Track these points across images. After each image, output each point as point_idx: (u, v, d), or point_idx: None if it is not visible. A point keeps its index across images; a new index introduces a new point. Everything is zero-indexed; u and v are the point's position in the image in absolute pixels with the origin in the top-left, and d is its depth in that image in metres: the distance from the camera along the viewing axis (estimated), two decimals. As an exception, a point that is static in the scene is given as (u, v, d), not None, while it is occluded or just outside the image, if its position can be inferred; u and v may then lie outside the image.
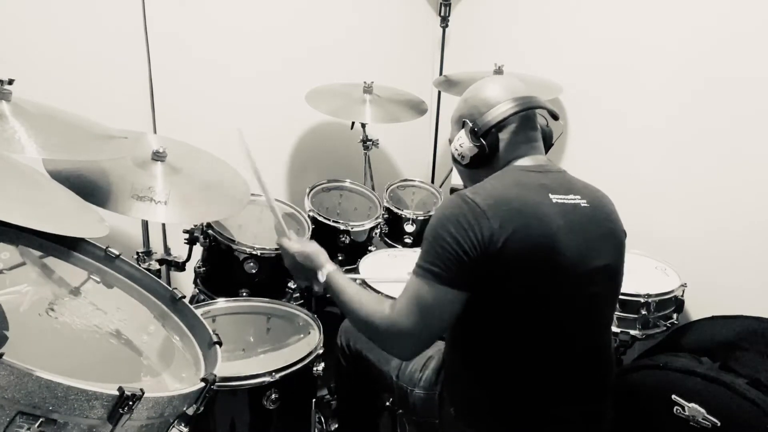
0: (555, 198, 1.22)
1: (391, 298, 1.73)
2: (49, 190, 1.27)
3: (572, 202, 1.24)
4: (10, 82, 1.26)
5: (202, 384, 1.07)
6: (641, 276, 1.99)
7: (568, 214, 1.21)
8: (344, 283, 1.32)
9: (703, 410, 1.49)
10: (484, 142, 1.28)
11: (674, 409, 1.54)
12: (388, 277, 1.86)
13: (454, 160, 1.37)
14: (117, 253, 1.35)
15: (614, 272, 1.30)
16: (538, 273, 1.16)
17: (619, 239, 1.31)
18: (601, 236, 1.25)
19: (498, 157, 1.31)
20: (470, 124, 1.30)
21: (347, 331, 1.70)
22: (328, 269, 1.35)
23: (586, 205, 1.25)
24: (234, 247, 1.83)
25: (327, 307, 2.09)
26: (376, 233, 2.34)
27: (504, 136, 1.30)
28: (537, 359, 1.22)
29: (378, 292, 1.81)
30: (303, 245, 1.45)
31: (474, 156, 1.31)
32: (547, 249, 1.16)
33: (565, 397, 1.25)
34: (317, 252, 1.41)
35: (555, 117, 1.37)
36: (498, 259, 1.12)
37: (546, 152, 1.38)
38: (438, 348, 1.48)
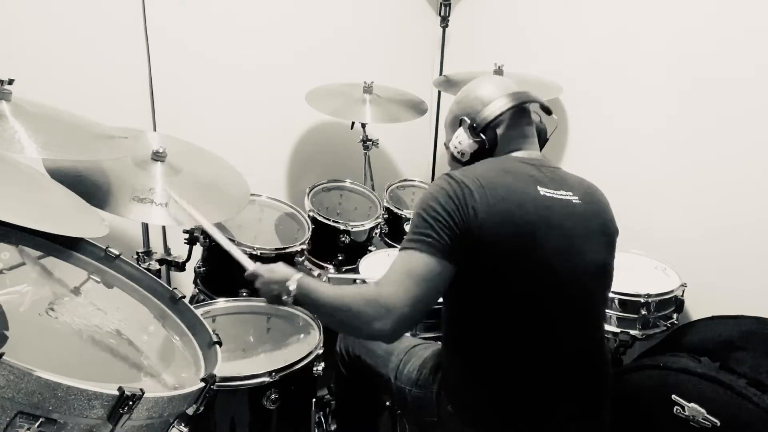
0: (543, 191, 1.23)
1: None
2: (49, 190, 1.27)
3: (563, 198, 1.24)
4: (10, 82, 1.26)
5: (202, 384, 1.07)
6: (641, 276, 1.99)
7: (555, 209, 1.21)
8: (317, 283, 1.28)
9: (703, 410, 1.49)
10: (483, 137, 1.30)
11: (674, 409, 1.54)
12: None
13: (454, 158, 1.38)
14: (117, 253, 1.35)
15: (603, 269, 1.30)
16: (515, 262, 1.17)
17: (609, 236, 1.31)
18: (590, 233, 1.26)
19: (496, 153, 1.33)
20: (468, 121, 1.32)
21: (345, 337, 1.70)
22: (297, 276, 1.30)
23: (577, 201, 1.26)
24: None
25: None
26: (376, 233, 2.34)
27: (501, 131, 1.33)
28: (529, 356, 1.22)
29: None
30: (266, 265, 1.40)
31: (474, 152, 1.32)
32: (525, 239, 1.17)
33: (561, 395, 1.25)
34: (281, 265, 1.37)
35: (548, 112, 1.40)
36: (479, 240, 1.14)
37: (541, 148, 1.40)
38: (435, 349, 1.48)
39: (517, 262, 1.17)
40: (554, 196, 1.23)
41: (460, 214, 1.14)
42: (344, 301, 1.19)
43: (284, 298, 1.29)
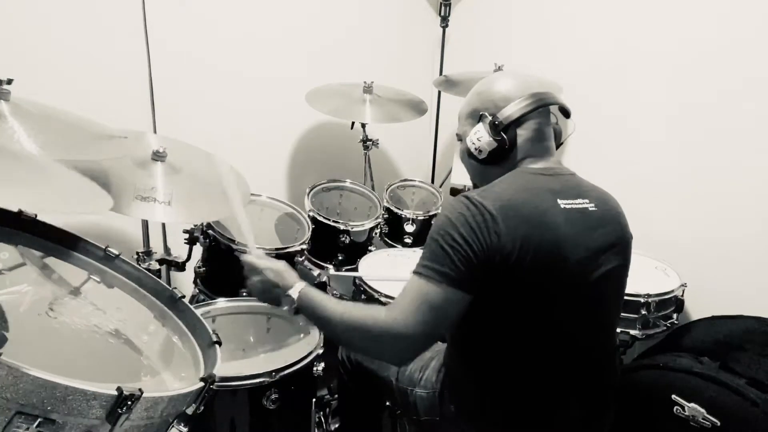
0: (563, 203, 1.20)
1: (389, 298, 1.73)
2: (47, 170, 1.25)
3: (581, 206, 1.23)
4: (10, 81, 1.25)
5: (202, 384, 1.07)
6: (641, 276, 1.98)
7: (576, 220, 1.20)
8: (322, 296, 1.25)
9: (703, 410, 1.49)
10: (504, 137, 1.25)
11: (674, 409, 1.54)
12: (388, 277, 1.86)
13: (470, 154, 1.33)
14: (117, 252, 1.35)
15: (620, 275, 1.30)
16: (544, 279, 1.16)
17: (626, 242, 1.30)
18: (608, 240, 1.24)
19: (514, 154, 1.28)
20: (490, 118, 1.26)
21: None
22: (300, 285, 1.28)
23: (594, 209, 1.24)
24: (234, 247, 1.82)
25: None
26: (376, 233, 2.34)
27: (522, 132, 1.28)
28: (540, 360, 1.21)
29: (377, 291, 1.81)
30: (271, 261, 1.35)
31: (492, 151, 1.27)
32: (554, 256, 1.15)
33: (568, 398, 1.25)
34: (288, 269, 1.33)
35: (567, 114, 1.36)
36: (504, 264, 1.11)
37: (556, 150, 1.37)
38: (438, 349, 1.48)
39: (542, 278, 1.15)
40: (573, 206, 1.21)
41: (480, 243, 1.11)
42: (356, 323, 1.16)
43: (284, 308, 1.28)
